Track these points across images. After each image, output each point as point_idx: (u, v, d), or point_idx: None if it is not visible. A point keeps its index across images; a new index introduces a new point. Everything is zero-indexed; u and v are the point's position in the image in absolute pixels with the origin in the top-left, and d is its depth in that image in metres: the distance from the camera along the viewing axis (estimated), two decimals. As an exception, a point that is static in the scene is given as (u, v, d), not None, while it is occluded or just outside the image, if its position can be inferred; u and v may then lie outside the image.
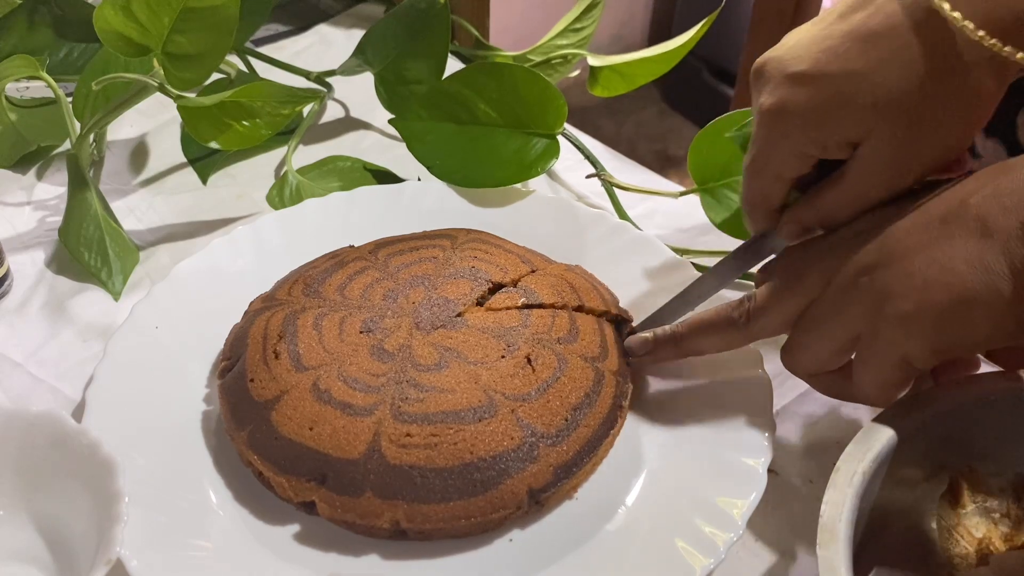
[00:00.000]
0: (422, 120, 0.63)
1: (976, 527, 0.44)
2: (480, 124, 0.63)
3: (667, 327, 0.50)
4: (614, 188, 0.65)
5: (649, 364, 0.52)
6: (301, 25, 0.91)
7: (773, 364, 0.55)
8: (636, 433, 0.49)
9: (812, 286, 0.44)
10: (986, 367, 0.56)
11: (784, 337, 0.45)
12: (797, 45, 0.45)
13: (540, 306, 0.52)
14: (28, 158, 0.71)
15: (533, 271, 0.55)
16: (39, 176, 0.70)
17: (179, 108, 0.60)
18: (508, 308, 0.51)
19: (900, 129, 0.42)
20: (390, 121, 0.64)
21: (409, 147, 0.63)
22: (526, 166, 0.63)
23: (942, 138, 0.43)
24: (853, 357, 0.43)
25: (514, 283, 0.54)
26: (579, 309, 0.52)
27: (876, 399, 0.43)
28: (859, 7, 0.43)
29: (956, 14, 0.40)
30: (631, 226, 0.60)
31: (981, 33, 0.40)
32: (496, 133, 0.63)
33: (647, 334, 0.50)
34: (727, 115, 0.59)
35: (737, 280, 0.52)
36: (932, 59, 0.41)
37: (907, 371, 0.41)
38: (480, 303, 0.52)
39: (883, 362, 0.41)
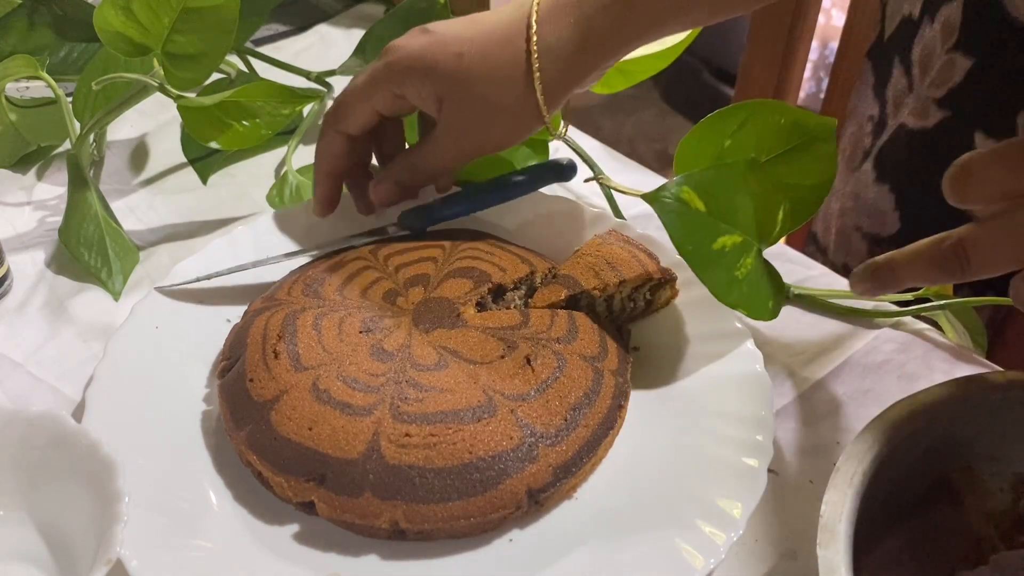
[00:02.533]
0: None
1: (976, 527, 0.44)
2: None
3: (883, 259, 0.44)
4: (612, 191, 0.65)
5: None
6: (301, 25, 0.91)
7: (773, 364, 0.55)
8: (636, 433, 0.49)
9: None
10: (986, 367, 0.56)
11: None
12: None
13: (583, 293, 0.52)
14: (28, 158, 0.71)
15: (546, 269, 0.55)
16: (39, 176, 0.71)
17: (179, 108, 0.60)
18: (554, 304, 0.52)
19: (466, 100, 0.53)
20: None
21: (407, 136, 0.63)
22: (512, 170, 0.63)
23: (485, 127, 0.55)
24: None
25: (552, 273, 0.54)
26: (622, 284, 0.53)
27: None
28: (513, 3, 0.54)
29: (535, 39, 0.51)
30: (631, 226, 0.60)
31: (536, 58, 0.51)
32: None
33: (865, 270, 0.44)
34: (711, 116, 0.59)
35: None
36: (503, 59, 0.52)
37: None
38: (480, 304, 0.52)
39: None
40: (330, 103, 0.79)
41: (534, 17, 0.52)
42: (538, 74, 0.52)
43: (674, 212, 0.49)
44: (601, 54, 0.53)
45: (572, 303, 0.53)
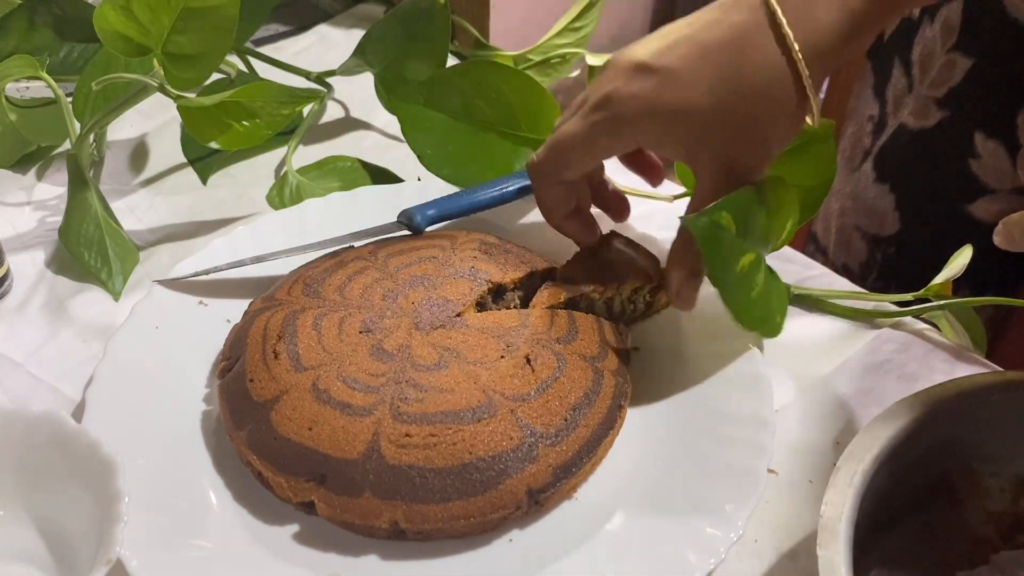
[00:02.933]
0: (420, 105, 0.63)
1: (976, 527, 0.44)
2: (474, 122, 0.63)
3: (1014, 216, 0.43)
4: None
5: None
6: (301, 25, 0.91)
7: (773, 364, 0.55)
8: (636, 433, 0.49)
9: None
10: (986, 367, 0.56)
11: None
12: (652, 39, 0.48)
13: (583, 295, 0.52)
14: (28, 158, 0.71)
15: (546, 269, 0.55)
16: (39, 176, 0.70)
17: (179, 108, 0.60)
18: (554, 305, 0.52)
19: (737, 134, 0.47)
20: (387, 106, 0.63)
21: (403, 130, 0.63)
22: (512, 172, 0.63)
23: (758, 147, 0.47)
24: None
25: (552, 274, 0.54)
26: (621, 285, 0.53)
27: None
28: (719, 10, 0.46)
29: (787, 30, 0.44)
30: (631, 227, 0.60)
31: (799, 59, 0.45)
32: (487, 135, 0.63)
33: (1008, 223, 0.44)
34: None
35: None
36: (759, 74, 0.45)
37: None
38: (480, 304, 0.52)
39: None
40: (330, 103, 0.79)
41: (778, 14, 0.44)
42: (807, 75, 0.45)
43: (713, 239, 0.46)
44: (869, 34, 0.46)
45: (572, 305, 0.53)
